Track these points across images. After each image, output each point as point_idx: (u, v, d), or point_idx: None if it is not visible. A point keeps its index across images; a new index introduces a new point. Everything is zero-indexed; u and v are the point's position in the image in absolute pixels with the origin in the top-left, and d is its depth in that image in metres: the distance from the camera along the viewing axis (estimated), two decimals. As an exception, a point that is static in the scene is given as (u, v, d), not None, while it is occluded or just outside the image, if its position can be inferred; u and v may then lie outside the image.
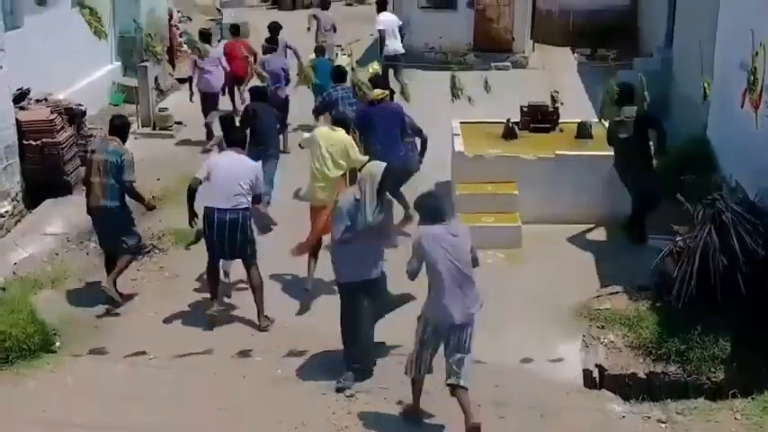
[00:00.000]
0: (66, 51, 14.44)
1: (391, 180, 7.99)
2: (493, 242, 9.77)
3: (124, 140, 9.29)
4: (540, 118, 11.26)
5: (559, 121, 11.48)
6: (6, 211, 11.27)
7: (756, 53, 9.48)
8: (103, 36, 16.03)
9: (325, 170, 9.17)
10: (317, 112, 11.61)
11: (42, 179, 11.75)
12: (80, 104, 13.00)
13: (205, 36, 15.53)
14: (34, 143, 11.71)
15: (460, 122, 11.62)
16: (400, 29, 16.44)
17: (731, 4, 10.90)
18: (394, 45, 16.27)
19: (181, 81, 18.91)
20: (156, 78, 17.37)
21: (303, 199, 9.82)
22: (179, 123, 15.17)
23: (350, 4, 28.24)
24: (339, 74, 11.98)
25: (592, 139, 10.99)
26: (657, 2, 17.44)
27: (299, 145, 10.50)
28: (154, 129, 14.79)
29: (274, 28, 15.87)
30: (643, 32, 19.57)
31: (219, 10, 28.45)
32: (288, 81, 14.86)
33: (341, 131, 9.39)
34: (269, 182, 10.61)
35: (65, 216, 11.16)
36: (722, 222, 7.88)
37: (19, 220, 11.35)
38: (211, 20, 26.75)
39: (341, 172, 9.25)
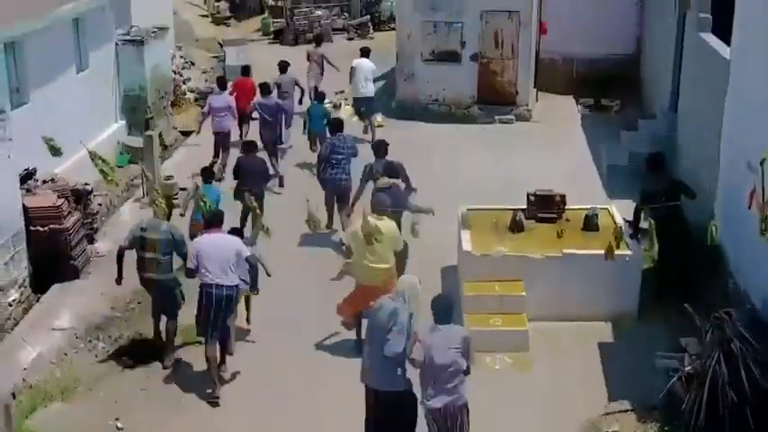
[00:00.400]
0: (72, 117, 14.51)
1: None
2: (500, 346, 9.82)
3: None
4: (546, 207, 11.27)
5: (566, 206, 11.49)
6: (14, 300, 11.33)
7: (764, 159, 9.47)
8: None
9: (374, 265, 9.73)
10: (319, 170, 13.07)
11: (49, 265, 11.80)
12: (86, 183, 13.06)
13: (222, 82, 16.75)
14: (41, 229, 11.75)
15: (467, 209, 11.64)
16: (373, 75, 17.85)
17: (739, 102, 10.91)
18: (365, 88, 17.53)
19: (184, 134, 18.98)
20: (160, 134, 17.42)
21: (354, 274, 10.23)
22: (183, 189, 15.18)
23: (351, 39, 28.24)
24: (335, 125, 13.40)
25: (598, 231, 11.01)
26: (660, 52, 17.48)
27: (344, 244, 11.04)
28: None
29: (283, 66, 17.53)
30: (646, 82, 19.59)
31: (221, 45, 28.45)
32: (288, 120, 16.69)
33: (386, 221, 9.89)
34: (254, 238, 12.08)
35: (72, 306, 11.21)
36: (730, 350, 7.91)
37: (26, 308, 11.40)
38: (214, 57, 26.86)
39: (391, 262, 9.84)
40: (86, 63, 15.45)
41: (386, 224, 9.83)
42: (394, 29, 29.35)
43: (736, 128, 10.90)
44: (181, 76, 21.52)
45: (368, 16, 29.06)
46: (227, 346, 9.63)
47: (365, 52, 18.06)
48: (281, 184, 15.27)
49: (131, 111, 17.12)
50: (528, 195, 11.56)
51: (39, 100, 13.47)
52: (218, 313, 9.28)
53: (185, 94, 20.87)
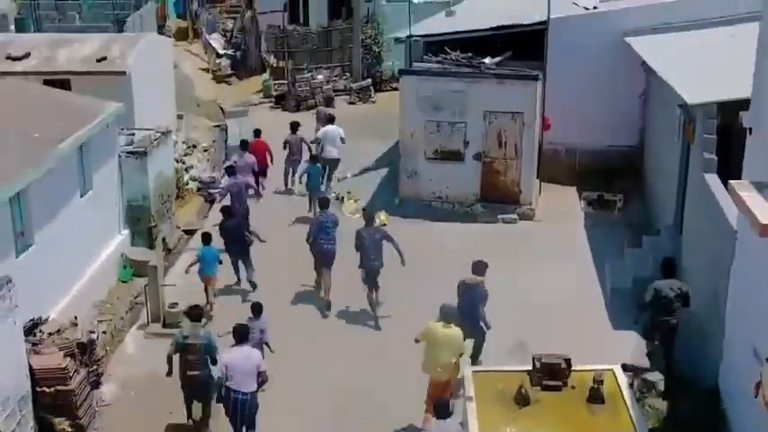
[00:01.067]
0: (76, 242, 14.53)
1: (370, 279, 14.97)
2: None
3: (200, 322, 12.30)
4: (552, 376, 11.26)
5: (571, 369, 11.48)
6: (20, 463, 11.34)
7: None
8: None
9: (442, 361, 11.95)
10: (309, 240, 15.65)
11: (54, 426, 11.80)
12: (92, 331, 13.09)
13: (245, 144, 19.84)
14: (48, 390, 11.76)
15: (473, 371, 11.62)
16: (341, 139, 20.28)
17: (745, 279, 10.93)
18: (332, 152, 20.22)
19: (188, 232, 18.98)
20: (163, 239, 17.44)
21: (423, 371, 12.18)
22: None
23: (353, 103, 28.25)
24: (322, 204, 16.29)
25: (604, 404, 11.00)
26: (662, 145, 17.53)
27: (415, 340, 12.34)
28: (164, 325, 14.81)
29: (294, 126, 21.11)
30: (649, 174, 19.61)
31: (223, 109, 28.53)
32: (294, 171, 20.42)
33: (453, 329, 11.99)
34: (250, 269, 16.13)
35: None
36: None
37: (32, 468, 11.43)
38: (216, 126, 26.90)
39: (454, 359, 12.03)
40: (90, 184, 15.44)
41: (451, 333, 11.97)
42: (396, 89, 29.58)
43: (742, 304, 10.92)
44: (183, 163, 21.54)
45: (369, 80, 29.09)
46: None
47: (331, 119, 20.84)
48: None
49: (135, 220, 17.12)
50: (533, 360, 11.53)
51: (44, 239, 13.47)
52: (242, 413, 11.44)
53: (188, 184, 20.88)
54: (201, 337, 11.99)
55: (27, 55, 19.93)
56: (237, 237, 16.01)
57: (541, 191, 19.85)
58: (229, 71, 32.17)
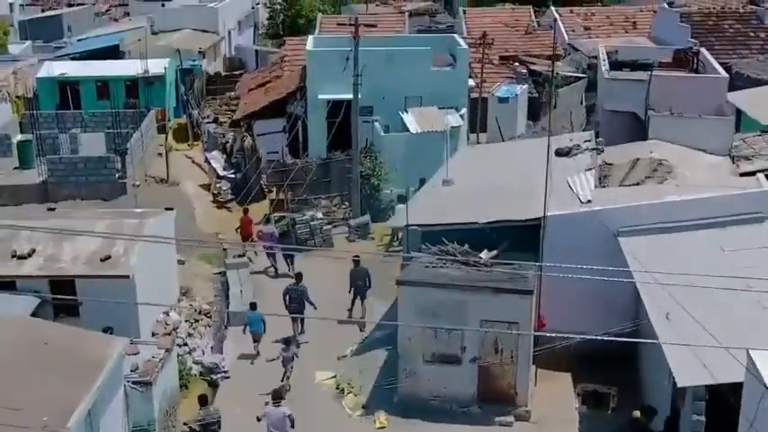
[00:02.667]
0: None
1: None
2: None
3: None
4: None
5: None
6: None
7: None
8: None
9: None
10: None
11: None
12: None
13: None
14: None
15: None
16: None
17: None
18: None
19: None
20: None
21: None
22: None
23: (352, 240, 28.68)
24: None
25: None
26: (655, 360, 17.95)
27: None
28: None
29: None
30: (643, 363, 20.02)
31: (225, 250, 28.83)
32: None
33: None
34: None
35: None
36: None
37: None
38: (217, 273, 27.21)
39: None
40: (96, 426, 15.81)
41: None
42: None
43: None
44: (186, 345, 21.92)
45: (367, 216, 29.49)
46: None
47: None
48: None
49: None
50: None
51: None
52: None
53: (191, 370, 21.25)
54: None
55: (32, 252, 20.31)
56: None
57: (537, 381, 20.27)
58: (229, 196, 32.53)
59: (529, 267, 19.51)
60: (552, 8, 50.39)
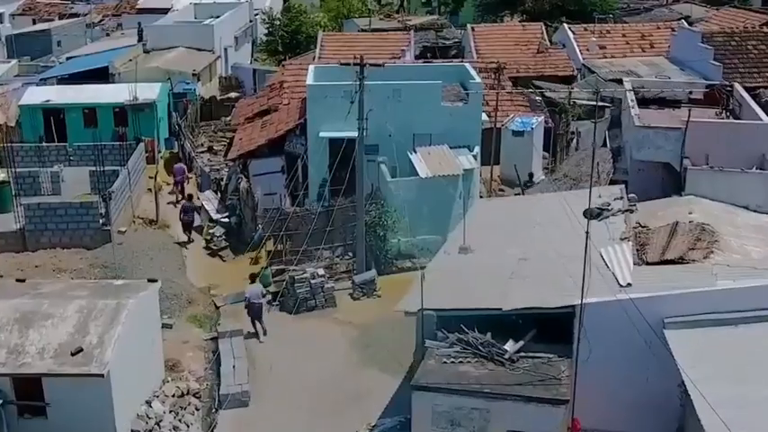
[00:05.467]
0: None
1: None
2: None
3: None
4: None
5: None
6: None
7: None
8: None
9: None
10: None
11: None
12: None
13: None
14: None
15: None
16: None
17: None
18: None
19: None
20: None
21: None
22: None
23: (357, 299, 26.25)
24: None
25: None
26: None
27: None
28: None
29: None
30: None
31: (217, 307, 26.54)
32: None
33: None
34: None
35: None
36: None
37: None
38: (209, 339, 24.83)
39: None
40: None
41: None
42: (402, 269, 27.58)
43: None
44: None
45: (373, 271, 26.97)
46: None
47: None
48: None
49: None
50: None
51: None
52: None
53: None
54: None
55: (-7, 342, 17.85)
56: None
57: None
58: (223, 243, 30.04)
59: (560, 363, 17.10)
60: (565, 26, 47.83)
